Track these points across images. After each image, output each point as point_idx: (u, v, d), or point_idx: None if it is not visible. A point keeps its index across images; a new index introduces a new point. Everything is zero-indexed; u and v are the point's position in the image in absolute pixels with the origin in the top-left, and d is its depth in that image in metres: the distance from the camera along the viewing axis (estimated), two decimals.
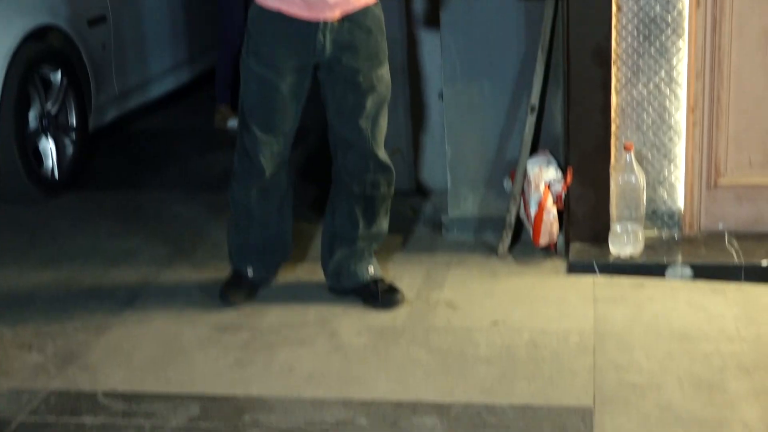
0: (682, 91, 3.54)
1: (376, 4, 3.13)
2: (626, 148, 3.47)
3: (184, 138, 5.48)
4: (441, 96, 3.92)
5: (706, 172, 3.59)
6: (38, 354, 3.08)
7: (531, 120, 3.70)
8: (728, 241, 3.56)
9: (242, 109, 3.20)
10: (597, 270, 3.46)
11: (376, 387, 2.80)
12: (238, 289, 3.40)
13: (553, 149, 3.77)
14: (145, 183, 4.79)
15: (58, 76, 4.62)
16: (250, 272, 3.43)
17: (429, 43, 4.14)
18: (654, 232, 3.64)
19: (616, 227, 3.52)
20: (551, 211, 3.57)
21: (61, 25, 4.66)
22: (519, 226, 3.73)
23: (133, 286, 3.57)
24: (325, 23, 3.04)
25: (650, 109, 3.57)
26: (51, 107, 4.59)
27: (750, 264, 3.39)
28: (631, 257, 3.48)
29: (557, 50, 3.70)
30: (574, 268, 3.48)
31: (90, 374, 2.94)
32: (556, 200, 3.59)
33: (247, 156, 3.22)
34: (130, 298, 3.45)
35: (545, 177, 3.62)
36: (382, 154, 3.24)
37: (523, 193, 3.68)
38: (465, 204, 3.89)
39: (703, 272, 3.40)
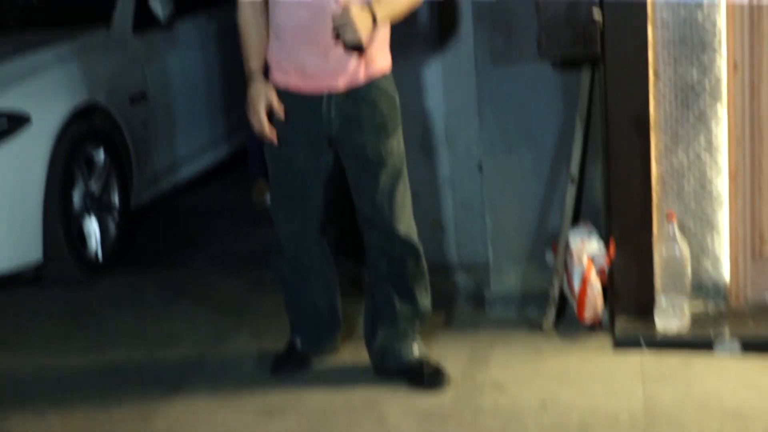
0: (722, 158, 3.51)
1: (383, 77, 3.13)
2: (669, 219, 3.44)
3: (224, 214, 5.51)
4: (480, 167, 3.93)
5: (750, 242, 3.55)
6: None
7: (571, 191, 3.69)
8: None
9: (270, 186, 3.30)
10: (644, 345, 3.41)
11: None
12: (287, 362, 3.46)
13: (595, 220, 3.75)
14: (186, 261, 4.81)
15: (102, 154, 4.67)
16: (299, 344, 3.46)
17: (467, 114, 4.16)
18: (700, 304, 3.59)
19: (661, 300, 3.49)
20: (595, 285, 3.54)
21: (104, 103, 4.72)
22: (563, 300, 3.70)
23: (178, 368, 3.58)
24: (330, 96, 3.07)
25: (691, 178, 3.54)
26: (95, 187, 4.64)
27: None
28: (678, 332, 3.44)
29: (595, 119, 3.70)
30: (620, 344, 3.45)
31: None
32: (600, 273, 3.57)
33: (276, 231, 3.31)
34: (177, 382, 3.46)
35: (588, 250, 3.60)
36: (405, 229, 3.22)
37: (566, 266, 3.67)
38: (507, 278, 3.88)
39: (752, 346, 3.34)
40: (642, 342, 3.42)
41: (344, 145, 3.14)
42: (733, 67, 3.43)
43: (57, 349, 3.84)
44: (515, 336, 3.64)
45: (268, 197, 5.60)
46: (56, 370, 3.66)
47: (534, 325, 3.69)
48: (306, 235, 3.29)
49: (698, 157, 3.52)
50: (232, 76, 6.06)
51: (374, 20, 2.96)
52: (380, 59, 3.12)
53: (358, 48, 3.01)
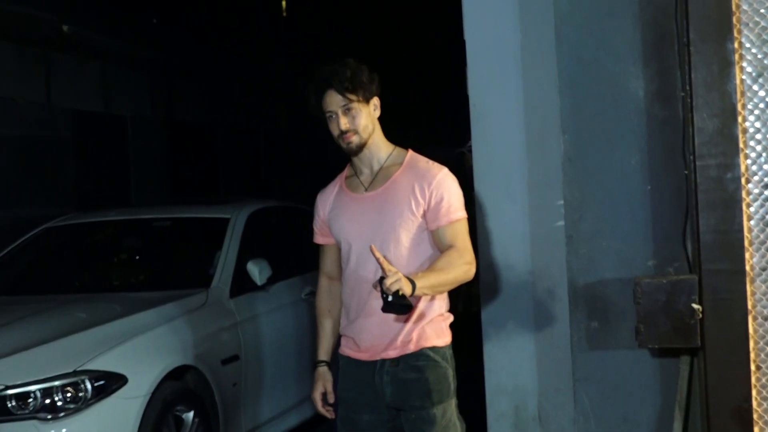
0: None
1: (435, 348, 3.22)
2: None
3: None
4: None
5: None
6: None
7: None
8: None
9: None
10: None
11: None
12: None
13: None
14: None
15: (191, 415, 4.67)
16: None
17: (561, 394, 4.11)
18: None
19: None
20: None
21: (198, 365, 4.77)
22: None
23: None
24: (383, 362, 3.24)
25: None
26: None
27: None
28: None
29: (694, 408, 3.63)
30: None
31: None
32: None
33: None
34: None
35: None
36: None
37: None
38: None
39: None
40: None
41: (400, 411, 3.27)
42: None
43: None
44: None
45: None
46: None
47: None
48: None
49: None
50: None
51: (413, 287, 3.02)
52: (432, 337, 3.25)
53: (400, 309, 3.03)
